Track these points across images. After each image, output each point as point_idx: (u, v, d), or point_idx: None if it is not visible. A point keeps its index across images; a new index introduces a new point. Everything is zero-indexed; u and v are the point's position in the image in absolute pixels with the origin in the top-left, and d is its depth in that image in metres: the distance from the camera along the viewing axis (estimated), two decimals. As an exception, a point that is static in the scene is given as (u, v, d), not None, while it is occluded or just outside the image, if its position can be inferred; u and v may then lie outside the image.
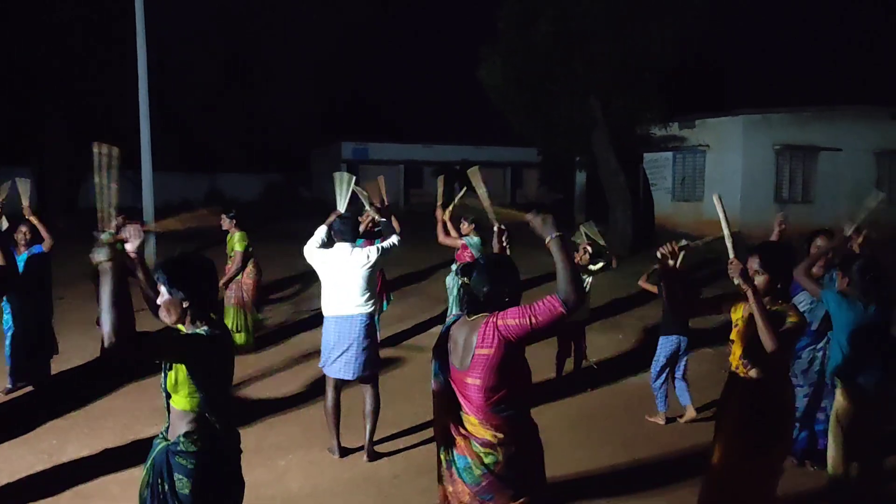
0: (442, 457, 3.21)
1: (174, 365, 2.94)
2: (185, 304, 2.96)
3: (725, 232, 3.79)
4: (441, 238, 8.36)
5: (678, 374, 6.63)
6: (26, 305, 6.97)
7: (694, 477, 5.04)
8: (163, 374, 3.01)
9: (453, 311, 8.39)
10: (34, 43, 18.88)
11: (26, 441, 5.96)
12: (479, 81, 17.84)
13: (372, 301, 5.60)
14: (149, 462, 3.04)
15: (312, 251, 5.63)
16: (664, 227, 19.58)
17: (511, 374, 3.03)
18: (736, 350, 3.86)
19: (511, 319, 2.93)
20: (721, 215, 3.83)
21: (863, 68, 27.44)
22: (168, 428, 3.05)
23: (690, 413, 6.57)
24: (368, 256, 5.52)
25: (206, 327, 2.99)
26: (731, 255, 3.66)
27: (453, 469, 3.13)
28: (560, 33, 16.11)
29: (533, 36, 16.39)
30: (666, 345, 6.58)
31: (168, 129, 19.37)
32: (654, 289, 6.79)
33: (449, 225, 8.39)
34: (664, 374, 6.60)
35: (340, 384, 5.63)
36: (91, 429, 6.22)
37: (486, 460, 3.04)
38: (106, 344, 2.69)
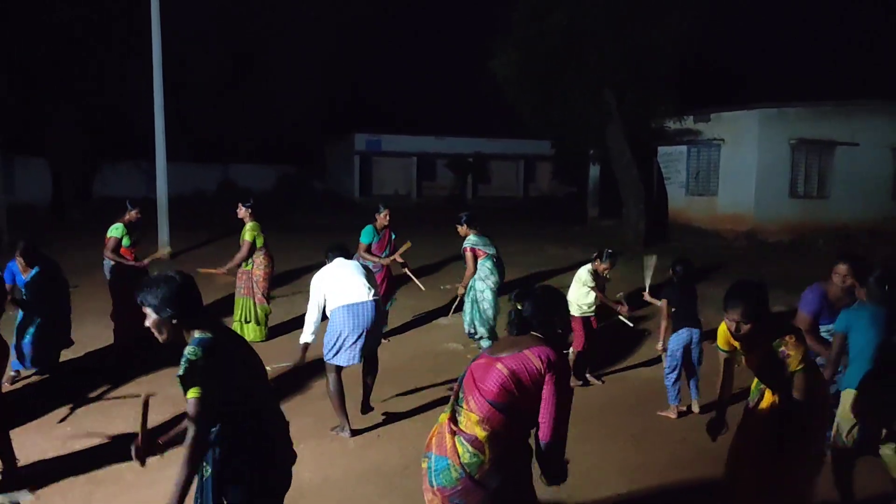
0: (423, 464, 3.20)
1: None
2: (174, 321, 3.05)
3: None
4: (468, 278, 8.36)
5: (692, 365, 6.61)
6: (41, 303, 7.06)
7: (705, 472, 5.05)
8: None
9: (468, 305, 8.34)
10: (43, 35, 18.95)
11: (39, 427, 6.03)
12: (493, 74, 17.78)
13: (376, 290, 5.97)
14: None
15: (316, 309, 5.91)
16: (678, 221, 19.49)
17: (529, 394, 3.02)
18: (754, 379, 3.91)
19: (558, 379, 3.01)
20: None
21: (881, 62, 27.15)
22: None
23: (695, 408, 6.59)
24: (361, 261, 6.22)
25: (202, 334, 3.05)
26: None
27: (430, 475, 3.11)
28: (573, 26, 16.04)
29: (546, 29, 16.33)
30: (678, 339, 6.57)
31: (181, 119, 19.42)
32: (656, 301, 6.93)
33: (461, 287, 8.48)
34: (678, 369, 6.58)
35: (341, 368, 5.88)
36: (104, 416, 6.28)
37: (467, 460, 3.00)
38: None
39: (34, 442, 5.67)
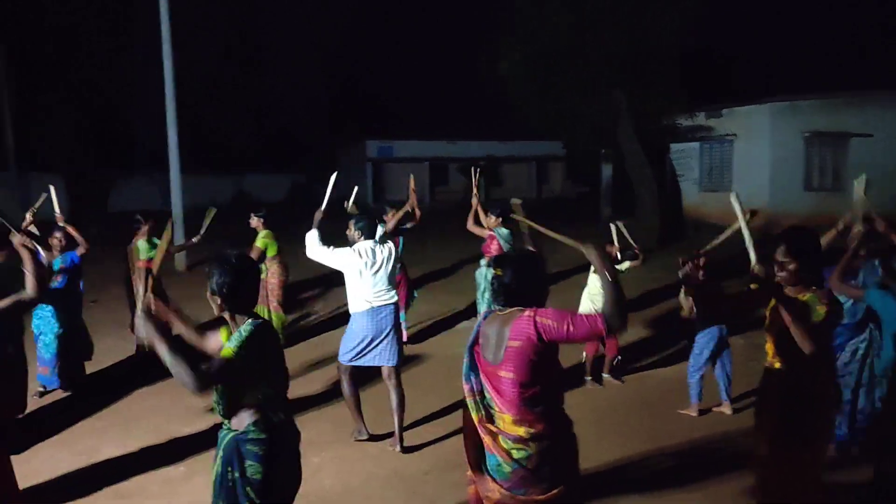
0: (471, 456, 3.22)
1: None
2: (224, 300, 3.13)
3: (745, 234, 3.70)
4: (470, 225, 8.47)
5: (722, 364, 6.53)
6: (61, 311, 7.09)
7: (727, 471, 5.03)
8: None
9: (482, 305, 8.37)
10: (56, 52, 19.17)
11: (63, 442, 6.07)
12: (501, 75, 17.79)
13: (395, 293, 5.90)
14: (219, 453, 3.16)
15: (321, 251, 5.84)
16: (692, 218, 19.41)
17: (544, 370, 3.04)
18: (769, 343, 3.78)
19: (549, 320, 2.96)
20: (739, 215, 3.75)
21: (894, 52, 26.91)
22: (230, 420, 3.16)
23: (725, 410, 6.51)
24: (391, 250, 5.90)
25: (251, 319, 3.13)
26: (753, 260, 3.57)
27: (483, 467, 3.15)
28: (576, 23, 16.03)
29: (550, 27, 16.33)
30: (707, 335, 6.45)
31: (193, 131, 19.56)
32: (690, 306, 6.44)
33: (481, 214, 8.43)
34: (704, 368, 6.52)
35: (356, 373, 5.86)
36: (126, 429, 6.32)
37: (517, 455, 3.03)
38: (192, 392, 2.90)
39: (60, 456, 5.70)
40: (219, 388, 3.05)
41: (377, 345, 5.73)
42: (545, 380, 3.05)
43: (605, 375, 7.56)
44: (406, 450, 5.71)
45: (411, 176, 8.28)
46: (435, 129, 31.21)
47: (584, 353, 7.42)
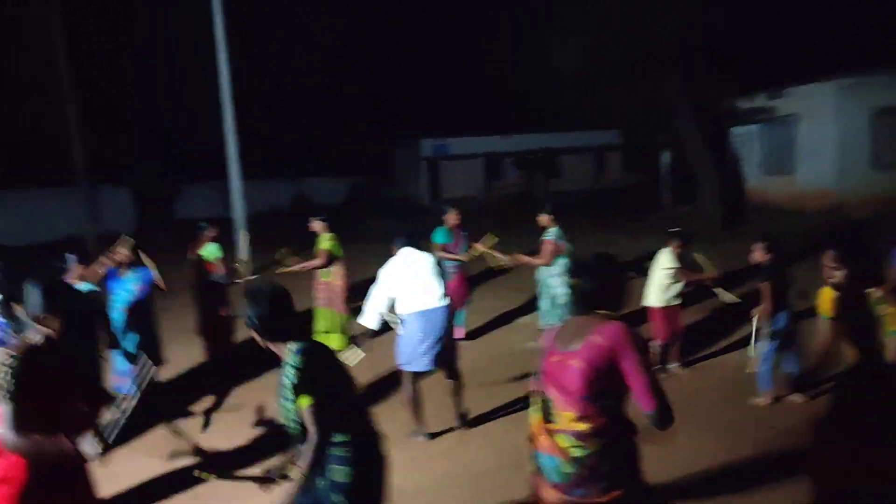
0: (531, 456, 3.22)
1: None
2: (263, 334, 3.23)
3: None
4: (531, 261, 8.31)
5: (791, 353, 6.41)
6: (136, 322, 7.32)
7: (799, 462, 4.89)
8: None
9: (551, 314, 8.25)
10: (119, 67, 19.77)
11: (142, 447, 6.26)
12: (555, 67, 17.66)
13: (447, 295, 5.99)
14: None
15: (383, 299, 5.99)
16: (755, 202, 18.96)
17: (614, 374, 3.01)
18: (842, 334, 3.67)
19: (633, 352, 2.98)
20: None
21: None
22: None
23: (796, 399, 6.37)
24: (433, 257, 6.11)
25: (298, 343, 3.18)
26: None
27: (545, 473, 3.14)
28: (627, 7, 15.82)
29: (601, 13, 16.15)
30: (776, 323, 6.33)
31: (252, 137, 19.91)
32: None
33: (526, 259, 8.38)
34: (773, 355, 6.39)
35: (416, 376, 5.93)
36: (200, 432, 6.47)
37: (576, 454, 3.01)
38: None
39: (139, 462, 5.88)
40: (289, 413, 3.11)
41: (433, 347, 5.77)
42: (613, 382, 3.03)
43: (671, 366, 7.46)
44: (473, 447, 5.74)
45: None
46: (489, 124, 31.11)
47: (654, 342, 7.31)
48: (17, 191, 22.47)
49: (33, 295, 3.38)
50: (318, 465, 3.07)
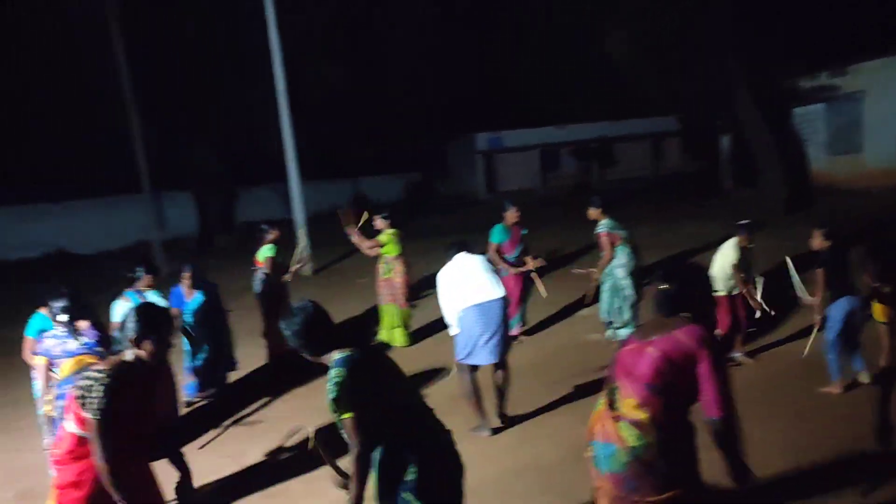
0: (588, 445, 3.23)
1: None
2: (305, 350, 3.34)
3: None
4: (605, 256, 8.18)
5: (854, 335, 6.23)
6: (208, 330, 7.54)
7: (874, 449, 4.75)
8: None
9: (624, 312, 8.16)
10: (178, 72, 20.24)
11: (213, 447, 6.43)
12: (608, 53, 17.44)
13: (502, 288, 5.96)
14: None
15: (453, 307, 5.93)
16: (821, 183, 18.40)
17: (685, 374, 2.99)
18: None
19: (712, 356, 2.96)
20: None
21: None
22: None
23: (863, 379, 6.21)
24: (480, 258, 6.11)
25: (342, 353, 3.24)
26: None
27: (598, 463, 3.13)
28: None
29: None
30: (838, 309, 6.19)
31: (309, 138, 20.18)
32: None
33: (602, 266, 8.21)
34: (839, 341, 6.22)
35: (475, 370, 5.94)
36: (268, 433, 6.58)
37: (634, 443, 2.99)
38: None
39: (209, 461, 6.03)
40: (338, 424, 3.17)
41: (487, 342, 5.77)
42: (682, 381, 3.00)
43: (736, 355, 7.32)
44: (537, 441, 5.74)
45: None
46: (544, 115, 30.85)
47: (718, 331, 7.18)
48: (85, 199, 23.23)
49: (130, 319, 3.51)
50: (364, 478, 3.13)
